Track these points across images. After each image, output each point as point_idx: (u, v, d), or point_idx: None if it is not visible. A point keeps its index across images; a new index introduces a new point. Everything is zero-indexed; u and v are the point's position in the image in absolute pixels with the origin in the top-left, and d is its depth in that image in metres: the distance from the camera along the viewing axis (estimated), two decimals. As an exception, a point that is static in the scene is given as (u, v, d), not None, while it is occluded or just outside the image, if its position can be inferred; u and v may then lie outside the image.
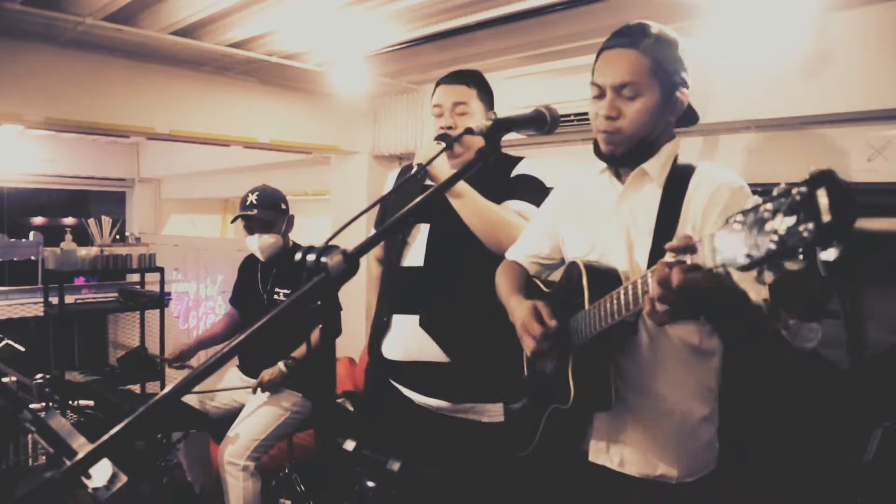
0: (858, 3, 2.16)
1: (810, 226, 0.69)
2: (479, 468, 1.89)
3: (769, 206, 0.75)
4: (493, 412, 1.92)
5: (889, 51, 2.13)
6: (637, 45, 1.35)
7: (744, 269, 0.78)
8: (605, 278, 1.34)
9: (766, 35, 2.32)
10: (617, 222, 1.42)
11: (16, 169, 5.60)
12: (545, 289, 1.60)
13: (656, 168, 1.39)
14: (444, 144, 1.86)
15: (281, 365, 2.71)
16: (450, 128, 1.98)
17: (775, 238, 0.72)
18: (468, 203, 1.84)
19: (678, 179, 1.37)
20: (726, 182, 1.34)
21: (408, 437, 2.01)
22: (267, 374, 2.70)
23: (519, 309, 1.46)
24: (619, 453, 1.40)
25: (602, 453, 1.42)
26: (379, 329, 2.07)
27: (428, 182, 2.03)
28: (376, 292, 2.36)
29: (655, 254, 1.31)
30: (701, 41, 2.58)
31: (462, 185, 1.84)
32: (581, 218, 1.52)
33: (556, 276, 1.65)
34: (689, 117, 1.47)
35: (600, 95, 1.38)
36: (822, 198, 0.68)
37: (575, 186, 1.59)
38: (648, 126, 1.37)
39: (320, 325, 2.80)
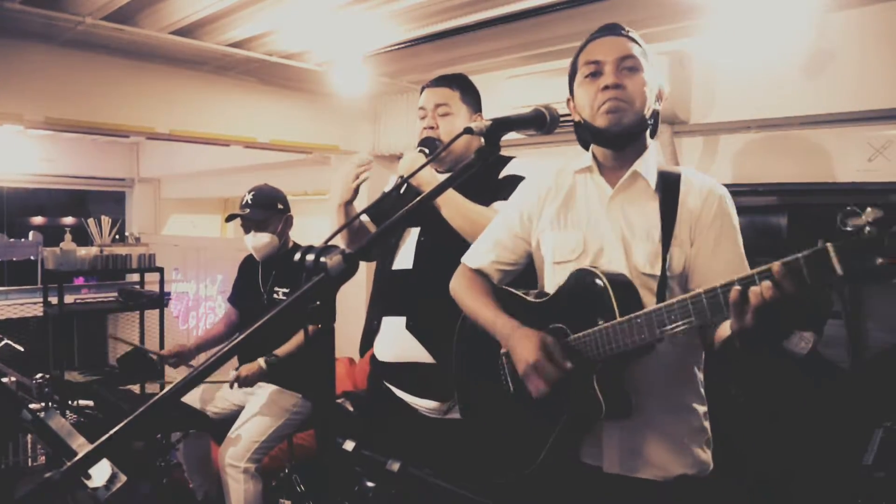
0: (858, 3, 2.17)
1: None
2: (473, 471, 1.89)
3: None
4: None
5: (888, 51, 2.13)
6: (624, 33, 1.43)
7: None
8: (628, 291, 1.29)
9: (767, 36, 2.33)
10: (609, 223, 1.40)
11: (15, 168, 5.60)
12: (531, 298, 1.48)
13: (648, 169, 1.39)
14: (425, 154, 1.88)
15: (261, 361, 2.69)
16: (432, 128, 1.98)
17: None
18: (452, 207, 1.83)
19: (669, 182, 1.39)
20: (715, 189, 1.39)
21: (403, 440, 2.01)
22: (244, 370, 2.68)
23: (522, 343, 1.33)
24: (634, 459, 1.36)
25: (615, 462, 1.38)
26: (370, 331, 2.08)
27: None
28: None
29: (665, 255, 1.32)
30: (701, 42, 2.59)
31: (447, 191, 1.83)
32: (565, 218, 1.46)
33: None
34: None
35: (596, 73, 1.39)
36: None
37: (547, 186, 1.52)
38: (647, 103, 1.39)
39: (308, 325, 2.80)
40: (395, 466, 1.70)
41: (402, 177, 1.82)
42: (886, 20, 2.13)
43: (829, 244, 0.94)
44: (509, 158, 2.02)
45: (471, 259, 1.62)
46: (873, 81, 2.15)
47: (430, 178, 1.89)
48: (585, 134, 1.46)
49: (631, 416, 1.31)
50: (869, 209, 0.91)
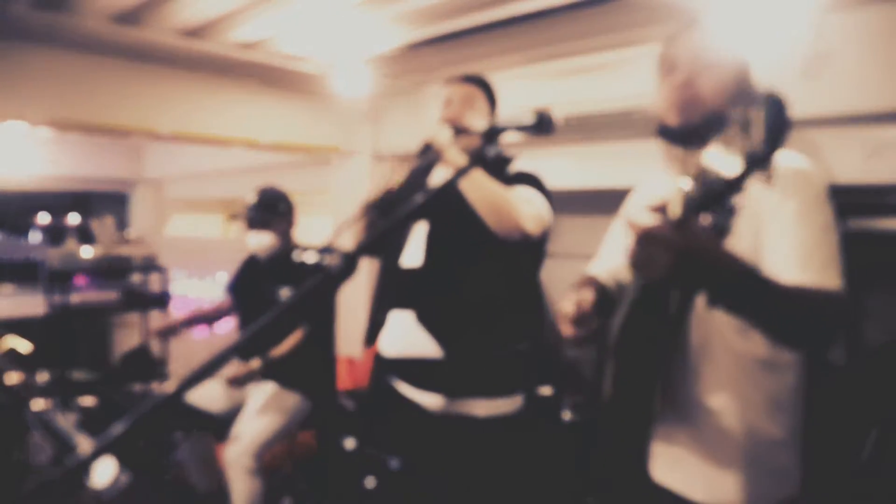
0: (856, 4, 2.17)
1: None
2: (476, 466, 1.90)
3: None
4: (488, 407, 1.94)
5: (886, 52, 2.14)
6: (701, 30, 1.35)
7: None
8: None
9: (764, 37, 2.33)
10: None
11: (19, 169, 5.62)
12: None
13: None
14: (450, 129, 1.87)
15: (254, 362, 2.70)
16: (455, 118, 2.01)
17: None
18: (478, 184, 1.82)
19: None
20: (795, 169, 1.23)
21: (406, 437, 2.03)
22: (237, 370, 2.70)
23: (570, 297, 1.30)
24: (680, 473, 1.28)
25: (665, 473, 1.30)
26: (376, 326, 2.09)
27: (431, 182, 2.05)
28: None
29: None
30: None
31: (475, 171, 1.84)
32: None
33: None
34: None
35: (671, 70, 1.33)
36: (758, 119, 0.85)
37: (649, 191, 1.49)
38: (724, 96, 1.29)
39: (306, 323, 2.82)
40: (396, 465, 1.71)
41: (427, 144, 1.83)
42: (885, 21, 2.14)
43: None
44: (511, 158, 2.04)
45: (591, 266, 1.57)
46: (870, 83, 2.16)
47: (455, 154, 1.85)
48: None
49: (655, 418, 1.24)
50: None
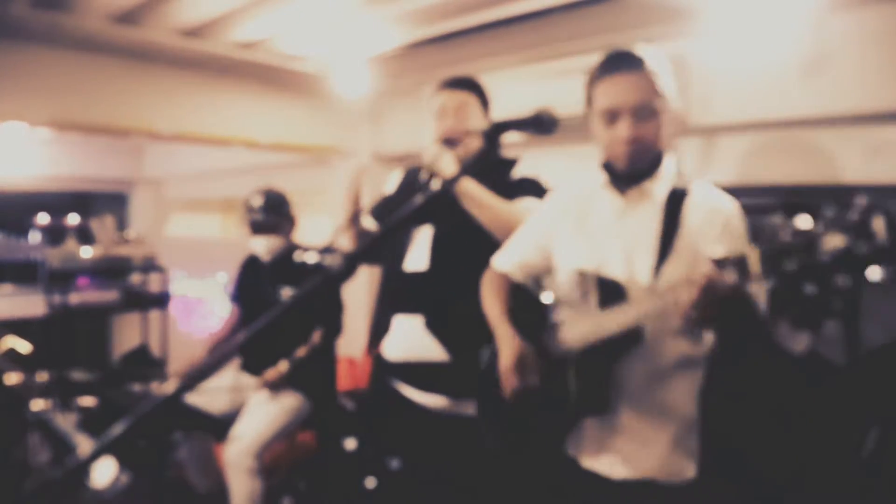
0: (856, 4, 2.17)
1: (864, 246, 0.84)
2: (477, 465, 1.90)
3: (818, 226, 0.84)
4: None
5: (887, 52, 2.14)
6: (639, 68, 1.42)
7: (788, 284, 0.95)
8: (612, 288, 1.40)
9: (764, 37, 2.33)
10: (617, 236, 1.47)
11: (19, 169, 5.61)
12: (540, 298, 1.61)
13: (659, 187, 1.46)
14: (446, 147, 1.90)
15: (283, 364, 2.73)
16: (453, 129, 2.01)
17: (827, 255, 0.88)
18: (478, 200, 1.84)
19: (675, 200, 1.45)
20: (721, 207, 1.44)
21: (408, 440, 2.02)
22: (271, 374, 2.72)
23: (506, 348, 1.52)
24: (614, 459, 1.44)
25: (594, 459, 1.46)
26: (380, 330, 2.08)
27: (431, 187, 2.05)
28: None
29: (660, 267, 1.39)
30: (699, 43, 2.59)
31: (470, 184, 1.85)
32: (580, 227, 1.54)
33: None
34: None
35: (613, 118, 1.43)
36: (878, 223, 0.83)
37: (574, 195, 1.60)
38: (664, 139, 1.45)
39: (322, 325, 2.82)
40: (396, 465, 1.72)
41: (426, 169, 1.87)
42: (884, 21, 2.14)
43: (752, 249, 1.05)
44: (515, 160, 2.04)
45: (497, 263, 1.73)
46: (871, 83, 2.16)
47: (450, 167, 1.89)
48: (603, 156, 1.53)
49: (607, 413, 1.41)
50: (838, 236, 0.94)
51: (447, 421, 1.95)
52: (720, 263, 1.11)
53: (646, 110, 1.40)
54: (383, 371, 2.08)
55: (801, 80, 2.29)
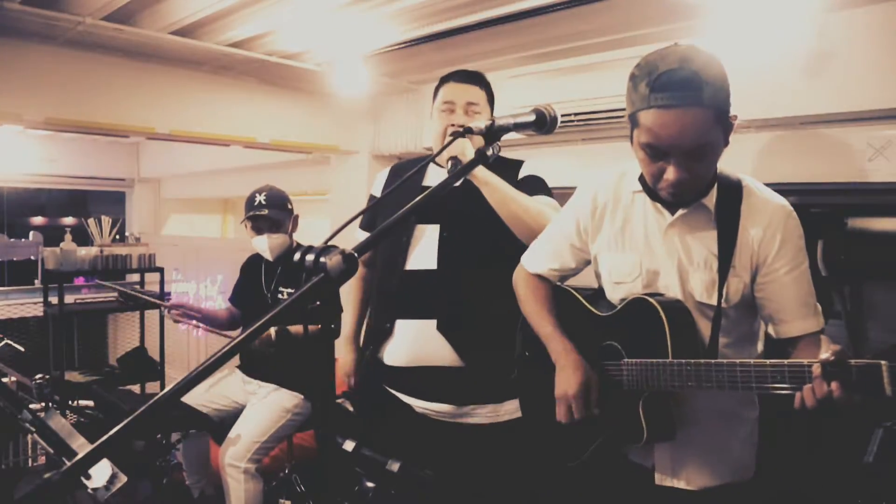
0: (859, 3, 2.16)
1: None
2: (479, 471, 1.89)
3: None
4: (497, 412, 1.92)
5: (889, 50, 2.13)
6: (700, 102, 1.20)
7: None
8: (685, 327, 1.33)
9: (767, 35, 2.32)
10: (667, 250, 1.39)
11: (15, 169, 5.60)
12: (591, 307, 1.50)
13: (708, 197, 1.38)
14: (466, 137, 1.87)
15: (271, 330, 2.66)
16: (462, 126, 1.99)
17: None
18: (498, 189, 1.80)
19: (728, 205, 1.35)
20: (777, 214, 1.35)
21: (405, 444, 2.00)
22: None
23: (567, 372, 1.40)
24: (690, 472, 1.41)
25: (671, 479, 1.42)
26: (379, 335, 2.03)
27: (425, 183, 2.02)
28: (359, 294, 2.33)
29: (721, 285, 1.33)
30: (701, 43, 2.58)
31: (488, 173, 1.81)
32: (622, 240, 1.46)
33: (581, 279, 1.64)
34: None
35: (659, 157, 1.27)
36: None
37: (604, 199, 1.50)
38: (715, 167, 1.37)
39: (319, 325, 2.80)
40: (395, 466, 1.70)
41: (453, 157, 1.81)
42: (887, 20, 2.13)
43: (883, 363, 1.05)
44: (520, 162, 2.02)
45: (530, 263, 1.65)
46: (874, 81, 2.15)
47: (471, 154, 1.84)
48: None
49: (674, 440, 1.36)
50: None
51: (448, 426, 1.93)
52: (839, 372, 1.08)
53: (700, 151, 1.24)
54: (382, 377, 2.04)
55: (804, 78, 2.29)
